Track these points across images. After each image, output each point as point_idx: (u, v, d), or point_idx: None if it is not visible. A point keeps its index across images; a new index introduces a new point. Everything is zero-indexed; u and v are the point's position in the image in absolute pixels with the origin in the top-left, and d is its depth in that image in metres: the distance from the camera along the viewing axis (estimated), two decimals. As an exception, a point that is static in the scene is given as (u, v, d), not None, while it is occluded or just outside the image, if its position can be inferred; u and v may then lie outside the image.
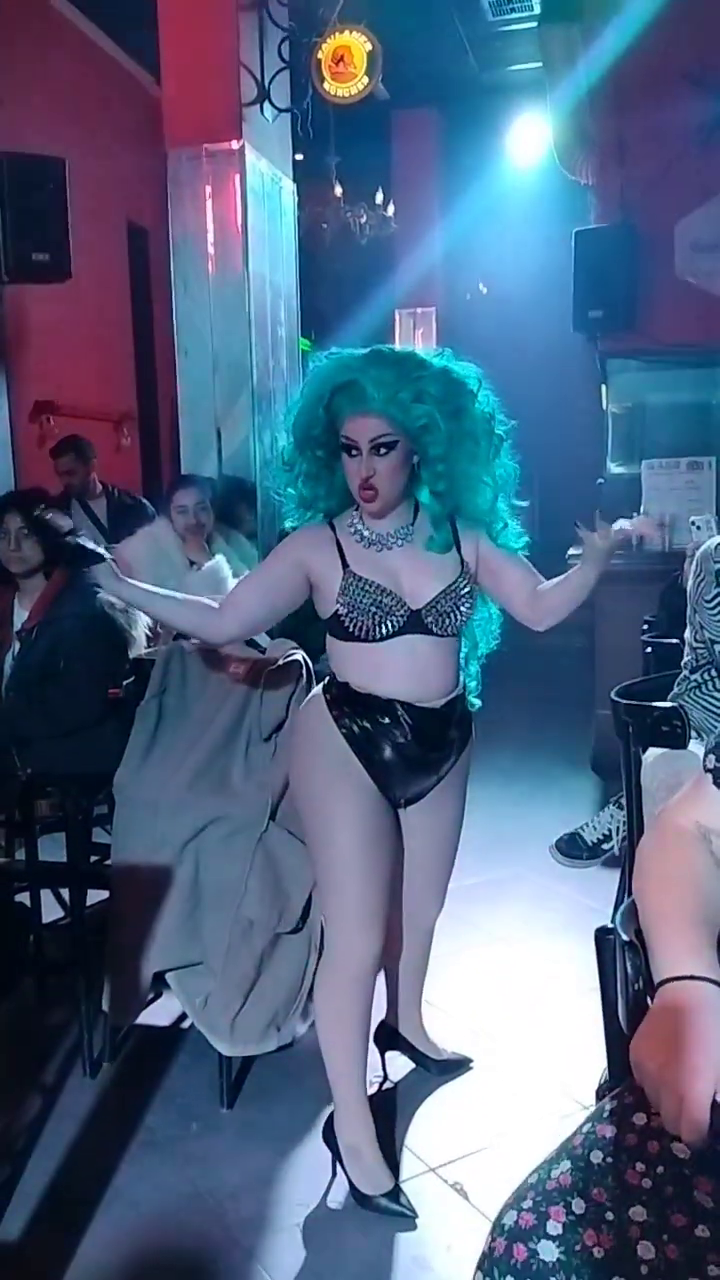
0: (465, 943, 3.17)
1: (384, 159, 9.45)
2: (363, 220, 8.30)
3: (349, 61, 4.95)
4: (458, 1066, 2.56)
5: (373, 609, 2.00)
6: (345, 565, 2.02)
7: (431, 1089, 2.50)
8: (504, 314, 9.90)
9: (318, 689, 2.17)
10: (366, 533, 2.06)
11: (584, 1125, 1.14)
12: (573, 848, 3.67)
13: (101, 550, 2.16)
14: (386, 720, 2.05)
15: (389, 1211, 2.07)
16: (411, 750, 2.08)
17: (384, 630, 2.00)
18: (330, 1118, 2.20)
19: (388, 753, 2.07)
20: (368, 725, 2.06)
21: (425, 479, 2.04)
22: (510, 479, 2.10)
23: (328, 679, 2.15)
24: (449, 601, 2.03)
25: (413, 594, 2.03)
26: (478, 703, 2.25)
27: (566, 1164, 1.08)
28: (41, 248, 4.49)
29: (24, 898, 3.03)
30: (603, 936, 1.33)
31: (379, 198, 8.52)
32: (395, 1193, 2.10)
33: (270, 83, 4.78)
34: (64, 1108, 2.46)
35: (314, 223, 7.78)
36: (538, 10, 6.74)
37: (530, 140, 7.86)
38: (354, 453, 1.97)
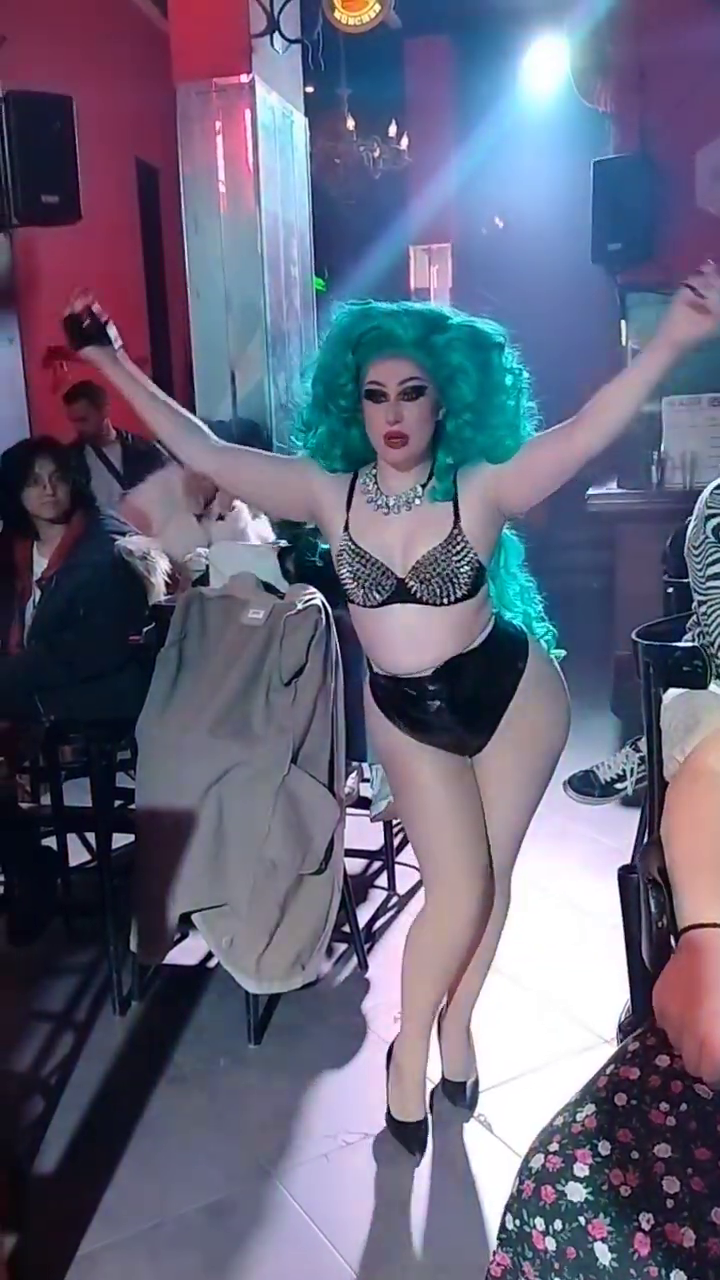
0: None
1: (397, 90, 9.20)
2: (376, 154, 8.11)
3: (360, -12, 4.83)
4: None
5: (362, 577, 1.93)
6: (346, 527, 1.95)
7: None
8: (521, 248, 9.71)
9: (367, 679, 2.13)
10: (376, 494, 1.95)
11: (607, 1067, 1.16)
12: (585, 785, 3.67)
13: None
14: (403, 691, 2.01)
15: (400, 1138, 2.13)
16: (440, 713, 2.00)
17: (374, 597, 1.93)
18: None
19: (419, 719, 2.02)
20: (397, 698, 2.03)
21: (452, 430, 1.90)
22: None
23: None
24: (432, 566, 1.89)
25: (403, 561, 1.92)
26: (560, 652, 2.16)
27: (591, 1107, 1.10)
28: (50, 189, 4.41)
29: (50, 842, 3.07)
30: (625, 875, 1.34)
31: (392, 130, 8.32)
32: (416, 1126, 2.14)
33: (280, 13, 4.65)
34: (95, 1045, 2.52)
35: (326, 157, 7.61)
36: (554, -71, 6.51)
37: (547, 67, 7.62)
38: (380, 398, 1.85)
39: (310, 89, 5.54)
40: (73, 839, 3.18)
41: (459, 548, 1.90)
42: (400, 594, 1.92)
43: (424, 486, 1.93)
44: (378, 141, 8.14)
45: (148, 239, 7.29)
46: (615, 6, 5.00)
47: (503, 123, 8.50)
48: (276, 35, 4.68)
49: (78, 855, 3.26)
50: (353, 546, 1.94)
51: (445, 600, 1.91)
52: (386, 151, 8.20)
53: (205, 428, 2.05)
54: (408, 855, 3.10)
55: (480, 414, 1.87)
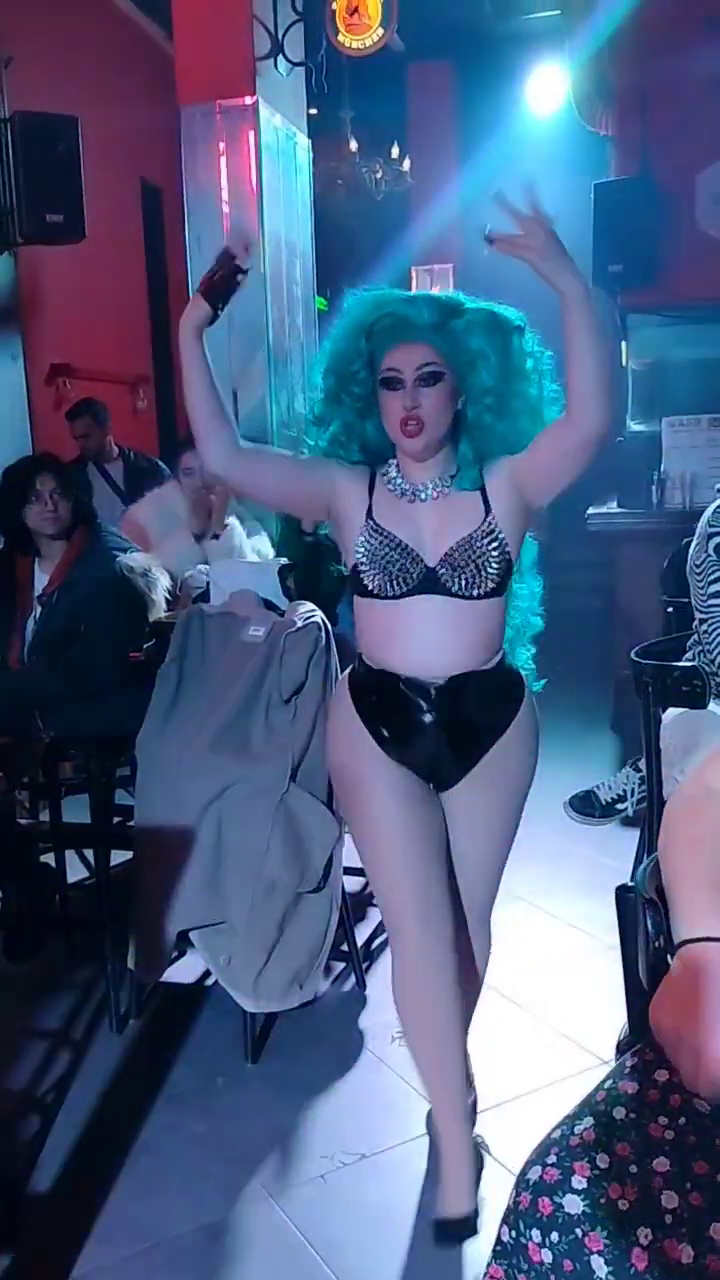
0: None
1: (399, 112, 9.28)
2: (378, 175, 8.18)
3: (363, 12, 4.87)
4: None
5: (387, 563, 1.84)
6: (369, 513, 1.87)
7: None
8: (523, 269, 9.71)
9: (345, 673, 2.04)
10: (401, 482, 1.89)
11: (605, 1081, 1.16)
12: (586, 806, 3.69)
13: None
14: (398, 693, 1.89)
15: (444, 1238, 1.89)
16: (429, 729, 1.90)
17: (398, 587, 1.84)
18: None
19: (404, 728, 1.91)
20: (386, 700, 1.91)
21: (473, 418, 1.85)
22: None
23: (356, 660, 2.01)
24: (466, 554, 1.82)
25: (434, 549, 1.85)
26: (538, 685, 2.05)
27: (589, 1120, 1.10)
28: (55, 208, 4.46)
29: (49, 858, 3.07)
30: (623, 894, 1.34)
31: (394, 152, 8.39)
32: (465, 1222, 1.89)
33: (284, 36, 4.71)
34: (92, 1063, 2.51)
35: (328, 179, 7.68)
36: (556, -44, 6.59)
37: (548, 91, 7.70)
38: (396, 385, 1.79)
39: (313, 111, 5.59)
40: (71, 856, 3.18)
41: (492, 535, 1.84)
42: (428, 583, 1.83)
43: (451, 477, 1.88)
44: (380, 163, 8.22)
45: (151, 258, 7.34)
46: (616, 32, 5.05)
47: (504, 145, 8.56)
48: (280, 58, 4.73)
49: (76, 872, 3.25)
50: (379, 530, 1.85)
51: (474, 592, 1.83)
52: (389, 173, 8.28)
53: (235, 427, 1.94)
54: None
55: (502, 399, 1.82)
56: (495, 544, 1.84)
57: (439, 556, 1.84)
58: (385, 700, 1.92)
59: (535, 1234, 1.03)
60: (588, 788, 3.75)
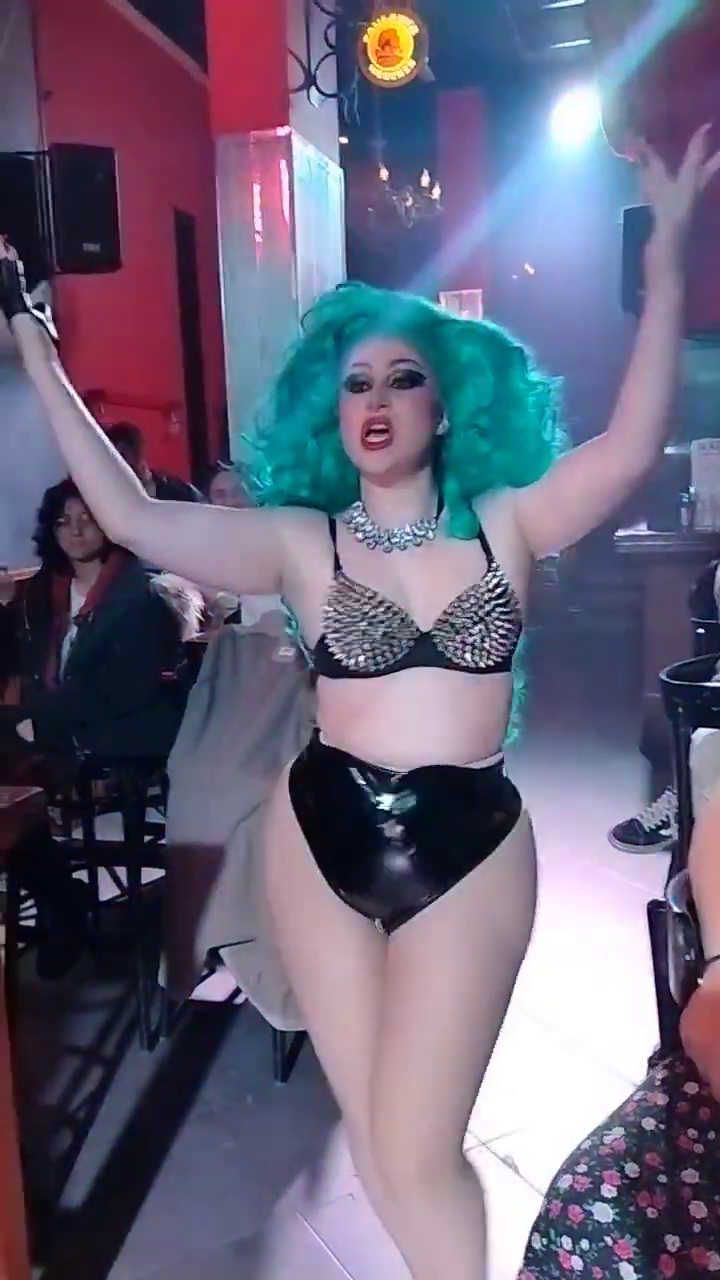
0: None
1: (429, 141, 9.40)
2: (409, 203, 8.29)
3: (395, 45, 4.96)
4: None
5: (368, 626, 1.41)
6: (337, 567, 1.45)
7: (482, 1065, 2.52)
8: (551, 295, 9.83)
9: (289, 765, 1.61)
10: (370, 528, 1.48)
11: (635, 1094, 1.17)
12: (630, 834, 3.69)
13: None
14: (359, 790, 1.45)
15: None
16: (394, 842, 1.44)
17: (382, 659, 1.40)
18: None
19: (358, 836, 1.46)
20: (344, 793, 1.46)
21: (459, 449, 1.48)
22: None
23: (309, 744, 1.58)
24: (466, 614, 1.40)
25: (425, 610, 1.42)
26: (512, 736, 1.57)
27: (619, 1130, 1.11)
28: (92, 238, 4.53)
29: (82, 875, 3.10)
30: (655, 909, 1.35)
31: (425, 180, 8.49)
32: None
33: (317, 68, 4.79)
34: (122, 1080, 2.53)
35: (360, 207, 7.79)
36: (584, -14, 6.67)
37: (577, 119, 7.79)
38: (362, 386, 1.41)
39: (345, 140, 5.67)
40: (103, 873, 3.21)
41: (500, 590, 1.43)
42: (421, 652, 1.41)
43: (435, 520, 1.48)
44: (410, 191, 8.32)
45: (184, 286, 7.46)
46: (645, 60, 5.10)
47: (533, 172, 8.65)
48: (313, 89, 4.82)
49: (108, 890, 3.28)
50: (352, 587, 1.44)
51: (480, 662, 1.41)
52: (419, 201, 8.38)
53: (138, 482, 1.49)
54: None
55: (497, 420, 1.47)
56: (504, 601, 1.42)
57: (433, 618, 1.42)
58: (341, 788, 1.47)
59: (566, 1241, 1.04)
60: (630, 817, 3.74)
